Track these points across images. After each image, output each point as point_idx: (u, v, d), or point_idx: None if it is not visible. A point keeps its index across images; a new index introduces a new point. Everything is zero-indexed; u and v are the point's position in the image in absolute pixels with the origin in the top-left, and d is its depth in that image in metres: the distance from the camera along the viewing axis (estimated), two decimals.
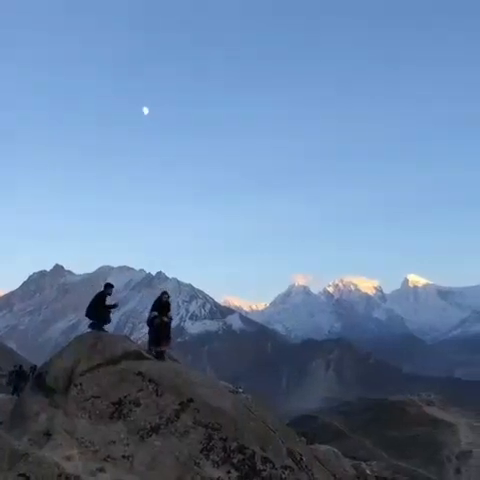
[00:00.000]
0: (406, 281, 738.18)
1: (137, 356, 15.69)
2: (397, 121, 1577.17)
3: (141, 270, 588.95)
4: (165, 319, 17.49)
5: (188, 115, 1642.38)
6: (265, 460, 12.18)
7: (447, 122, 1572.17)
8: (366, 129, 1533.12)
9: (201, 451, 12.16)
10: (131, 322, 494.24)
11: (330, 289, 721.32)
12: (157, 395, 13.65)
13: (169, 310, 18.26)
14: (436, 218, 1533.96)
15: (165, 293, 18.58)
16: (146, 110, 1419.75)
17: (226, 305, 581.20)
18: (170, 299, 18.31)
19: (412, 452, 41.16)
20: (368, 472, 17.50)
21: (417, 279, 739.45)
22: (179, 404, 13.39)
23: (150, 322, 17.80)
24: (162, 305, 17.94)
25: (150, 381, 14.06)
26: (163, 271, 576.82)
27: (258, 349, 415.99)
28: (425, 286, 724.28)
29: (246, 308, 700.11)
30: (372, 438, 50.53)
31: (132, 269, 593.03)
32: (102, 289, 17.86)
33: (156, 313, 17.68)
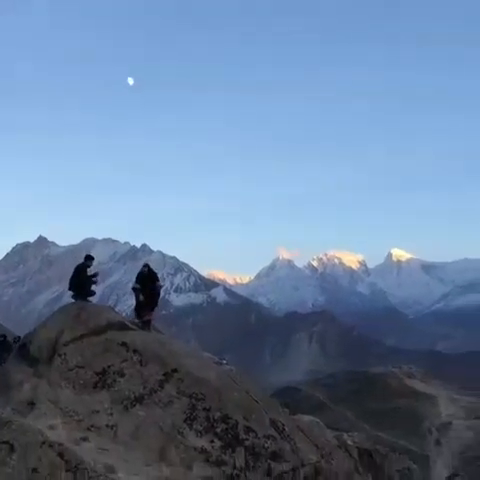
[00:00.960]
0: (390, 255, 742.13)
1: (121, 327, 15.70)
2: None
3: (126, 243, 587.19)
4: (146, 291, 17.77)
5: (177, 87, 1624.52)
6: (248, 429, 12.29)
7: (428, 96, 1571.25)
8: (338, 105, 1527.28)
9: (184, 421, 12.24)
10: (116, 294, 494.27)
11: (314, 263, 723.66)
12: (141, 365, 13.69)
13: (154, 281, 18.39)
14: (419, 193, 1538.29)
15: (145, 265, 18.92)
16: (131, 80, 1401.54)
17: (211, 278, 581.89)
18: (146, 270, 18.55)
19: (393, 424, 41.70)
20: (349, 443, 17.69)
21: (401, 253, 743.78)
22: (163, 374, 13.44)
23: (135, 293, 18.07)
24: (143, 276, 18.18)
25: (134, 351, 14.09)
26: (148, 244, 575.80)
27: (242, 322, 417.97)
28: (408, 260, 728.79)
29: (231, 281, 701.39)
30: (354, 410, 51.14)
31: (117, 241, 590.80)
32: (82, 261, 17.85)
33: (136, 285, 18.01)
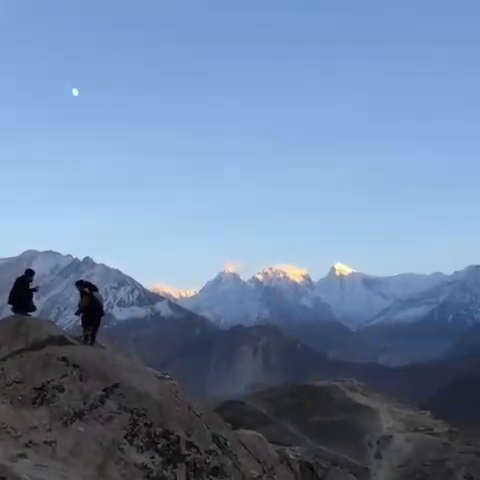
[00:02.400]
0: (333, 270, 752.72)
1: (61, 341, 15.46)
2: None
3: (68, 255, 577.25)
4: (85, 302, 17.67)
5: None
6: (190, 445, 12.23)
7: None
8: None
9: (125, 436, 12.10)
10: (57, 308, 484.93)
11: (259, 277, 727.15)
12: (81, 380, 13.48)
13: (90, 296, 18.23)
14: (361, 208, 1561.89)
15: (79, 282, 18.78)
16: (76, 91, 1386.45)
17: (155, 292, 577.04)
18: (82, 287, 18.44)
19: (335, 437, 41.99)
20: (291, 457, 17.76)
21: (344, 268, 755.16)
22: (104, 389, 13.26)
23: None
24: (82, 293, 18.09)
25: (74, 366, 13.87)
26: (91, 256, 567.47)
27: (186, 336, 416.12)
28: (351, 275, 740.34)
29: (175, 295, 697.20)
30: (297, 423, 51.28)
31: (58, 254, 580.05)
32: (23, 274, 17.56)
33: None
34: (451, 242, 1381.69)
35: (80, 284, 18.28)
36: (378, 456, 30.10)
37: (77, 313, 17.84)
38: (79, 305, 17.91)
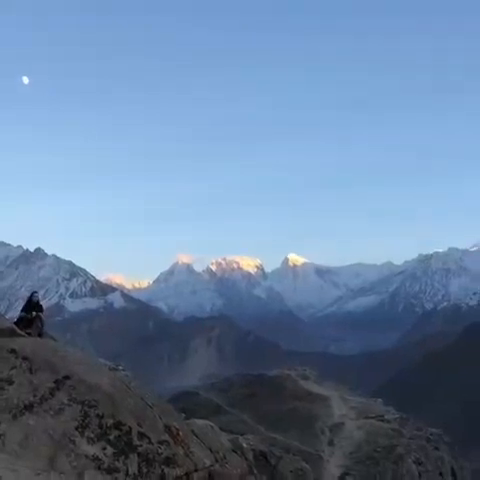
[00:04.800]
0: (286, 260, 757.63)
1: (11, 333, 15.17)
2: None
3: (19, 246, 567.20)
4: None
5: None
6: (142, 435, 12.17)
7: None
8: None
9: (76, 428, 11.96)
10: (7, 299, 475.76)
11: (213, 267, 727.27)
12: (31, 373, 13.25)
13: (40, 311, 18.22)
14: (314, 201, 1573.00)
15: (35, 292, 18.77)
16: (26, 79, 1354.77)
17: (108, 283, 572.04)
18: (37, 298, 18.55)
19: (288, 425, 42.40)
20: (244, 445, 17.87)
21: (297, 258, 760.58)
22: (54, 382, 13.07)
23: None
24: (32, 305, 18.13)
25: (24, 358, 13.62)
26: (42, 247, 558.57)
27: (140, 327, 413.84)
28: (304, 265, 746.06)
29: (128, 286, 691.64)
30: (250, 413, 51.56)
31: (9, 245, 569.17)
32: None
33: (23, 314, 17.96)
34: (402, 233, 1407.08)
35: (31, 301, 18.37)
36: (330, 443, 30.51)
37: (17, 322, 17.68)
38: (23, 310, 17.98)
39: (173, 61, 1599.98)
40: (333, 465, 21.92)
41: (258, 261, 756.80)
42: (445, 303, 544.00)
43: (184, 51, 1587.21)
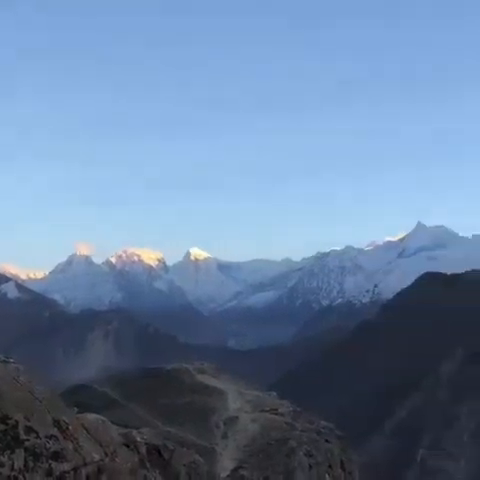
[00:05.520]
0: (188, 254, 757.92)
1: None
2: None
3: None
4: None
5: None
6: (29, 430, 11.71)
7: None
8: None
9: None
10: None
11: (113, 260, 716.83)
12: None
13: None
14: (217, 194, 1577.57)
15: None
16: None
17: (1, 272, 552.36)
18: None
19: (184, 419, 42.37)
20: (138, 439, 17.58)
21: (199, 253, 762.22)
22: None
23: None
24: None
25: None
26: None
27: (34, 318, 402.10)
28: (206, 259, 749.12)
29: (23, 276, 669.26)
30: (146, 406, 51.23)
31: None
32: None
33: None
34: (301, 230, 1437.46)
35: None
36: (225, 436, 30.67)
37: None
38: None
39: None
40: (226, 458, 21.99)
41: (159, 254, 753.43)
42: (340, 300, 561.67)
43: None
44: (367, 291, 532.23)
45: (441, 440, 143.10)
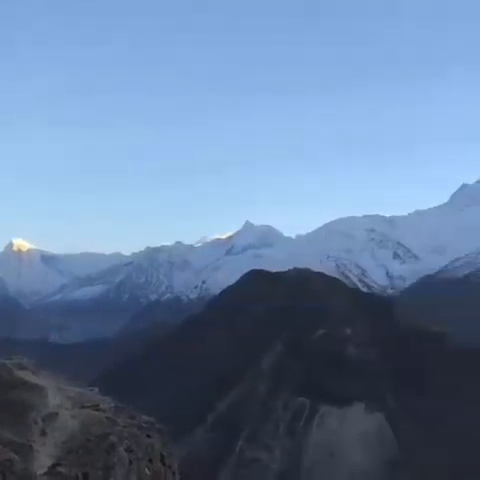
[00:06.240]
0: (11, 245, 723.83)
1: None
2: None
3: None
4: None
5: None
6: None
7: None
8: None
9: None
10: None
11: None
12: None
13: None
14: (43, 183, 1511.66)
15: None
16: None
17: None
18: None
19: (0, 416, 40.93)
20: None
21: (23, 243, 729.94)
22: None
23: None
24: None
25: None
26: None
27: None
28: (29, 251, 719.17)
29: None
30: None
31: None
32: None
33: None
34: (131, 225, 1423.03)
35: None
36: (43, 433, 30.03)
37: None
38: None
39: None
40: (44, 455, 21.53)
41: None
42: (168, 295, 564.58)
43: None
44: (195, 287, 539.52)
45: (258, 432, 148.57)
